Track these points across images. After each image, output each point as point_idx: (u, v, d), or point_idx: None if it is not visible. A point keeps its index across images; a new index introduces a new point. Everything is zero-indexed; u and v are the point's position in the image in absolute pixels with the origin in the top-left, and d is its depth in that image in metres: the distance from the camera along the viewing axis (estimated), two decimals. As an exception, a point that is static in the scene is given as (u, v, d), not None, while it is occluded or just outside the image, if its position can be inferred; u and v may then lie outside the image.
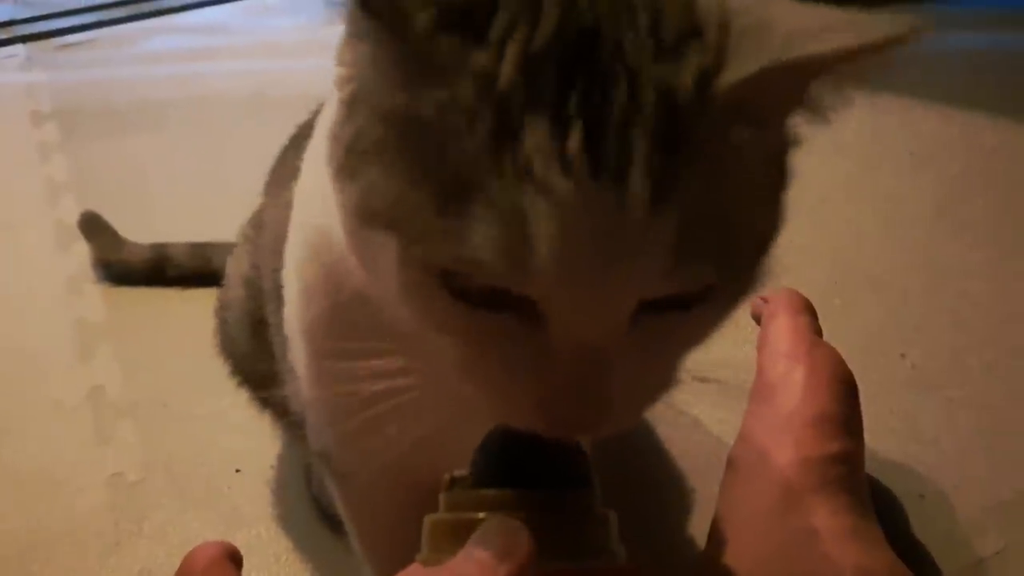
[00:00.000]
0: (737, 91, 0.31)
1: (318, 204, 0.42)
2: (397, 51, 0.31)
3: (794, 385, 0.61)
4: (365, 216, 0.34)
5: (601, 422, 0.34)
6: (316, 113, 0.55)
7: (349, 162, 0.34)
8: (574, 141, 0.29)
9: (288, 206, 0.50)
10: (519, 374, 0.34)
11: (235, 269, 0.68)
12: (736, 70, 0.31)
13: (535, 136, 0.29)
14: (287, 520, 0.70)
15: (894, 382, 0.84)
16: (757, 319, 0.70)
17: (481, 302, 0.32)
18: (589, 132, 0.29)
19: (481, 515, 0.35)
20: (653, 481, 0.75)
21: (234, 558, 0.47)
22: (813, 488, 0.55)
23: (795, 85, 0.33)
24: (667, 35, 0.31)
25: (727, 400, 0.70)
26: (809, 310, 0.68)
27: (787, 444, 0.58)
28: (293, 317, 0.49)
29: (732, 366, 0.85)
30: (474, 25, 0.30)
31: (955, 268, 1.01)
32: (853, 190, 1.21)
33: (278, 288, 0.51)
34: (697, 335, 0.38)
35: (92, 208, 1.11)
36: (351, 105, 0.35)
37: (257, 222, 0.67)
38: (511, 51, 0.30)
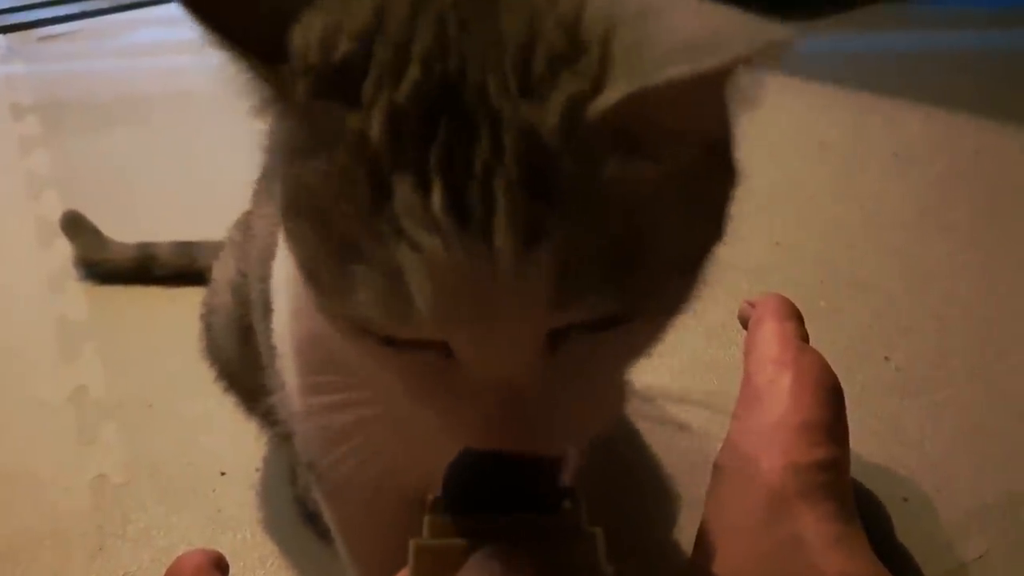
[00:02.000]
0: (606, 120, 0.29)
1: None
2: (287, 120, 0.32)
3: (780, 392, 0.61)
4: (298, 267, 0.35)
5: (534, 444, 0.35)
6: None
7: (283, 213, 0.35)
8: (436, 198, 0.29)
9: (275, 220, 0.50)
10: (453, 401, 0.35)
11: (222, 274, 0.68)
12: (604, 99, 0.29)
13: (402, 194, 0.29)
14: (272, 523, 0.70)
15: (878, 385, 0.84)
16: (744, 323, 0.71)
17: (403, 344, 0.33)
18: (453, 186, 0.29)
19: (465, 542, 0.36)
20: (639, 486, 0.75)
21: (219, 565, 0.47)
22: (799, 495, 0.55)
23: (681, 103, 0.30)
24: (538, 66, 0.30)
25: (713, 403, 0.70)
26: (796, 316, 0.68)
27: (773, 451, 0.58)
28: (285, 332, 0.49)
29: (718, 369, 0.87)
30: (348, 88, 0.30)
31: (940, 270, 1.01)
32: (838, 190, 1.21)
33: (265, 298, 0.51)
34: (629, 351, 0.38)
35: (74, 204, 1.10)
36: (269, 171, 0.36)
37: (245, 227, 0.66)
38: (377, 109, 0.30)
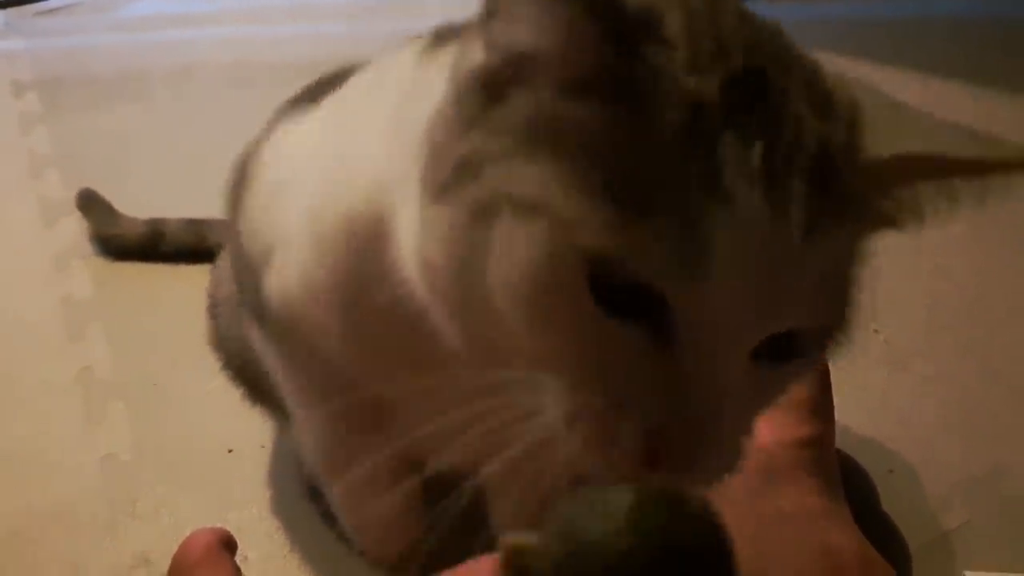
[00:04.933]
0: (877, 166, 0.34)
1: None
2: (599, 29, 0.32)
3: (768, 371, 0.63)
4: (493, 206, 0.33)
5: (713, 462, 0.34)
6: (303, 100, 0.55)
7: (484, 147, 0.34)
8: (756, 153, 0.31)
9: None
10: (634, 397, 0.33)
11: (227, 264, 0.69)
12: (877, 147, 0.35)
13: (727, 147, 0.31)
14: (279, 500, 0.72)
15: (867, 357, 0.86)
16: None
17: (614, 311, 0.33)
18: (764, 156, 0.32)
19: None
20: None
21: (228, 544, 0.48)
22: (785, 470, 0.58)
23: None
24: (815, 96, 0.34)
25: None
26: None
27: (763, 427, 0.60)
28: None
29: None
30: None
31: (931, 243, 1.02)
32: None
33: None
34: (779, 392, 0.38)
35: (77, 183, 1.11)
36: (503, 86, 0.35)
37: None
38: (715, 75, 0.32)
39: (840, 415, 0.64)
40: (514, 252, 0.33)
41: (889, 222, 0.38)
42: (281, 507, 0.71)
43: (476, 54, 0.36)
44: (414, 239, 0.38)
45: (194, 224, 1.03)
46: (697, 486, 0.34)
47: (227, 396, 0.72)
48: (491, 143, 0.34)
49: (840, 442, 0.64)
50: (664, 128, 0.31)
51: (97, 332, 0.94)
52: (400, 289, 0.40)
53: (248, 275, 0.54)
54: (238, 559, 0.48)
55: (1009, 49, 1.52)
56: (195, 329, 0.73)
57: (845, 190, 0.33)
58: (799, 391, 0.61)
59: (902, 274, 0.98)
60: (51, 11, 1.99)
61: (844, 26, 1.60)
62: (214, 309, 0.70)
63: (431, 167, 0.36)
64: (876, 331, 0.89)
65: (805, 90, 0.34)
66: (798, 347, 0.35)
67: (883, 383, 0.83)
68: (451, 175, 0.35)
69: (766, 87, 0.33)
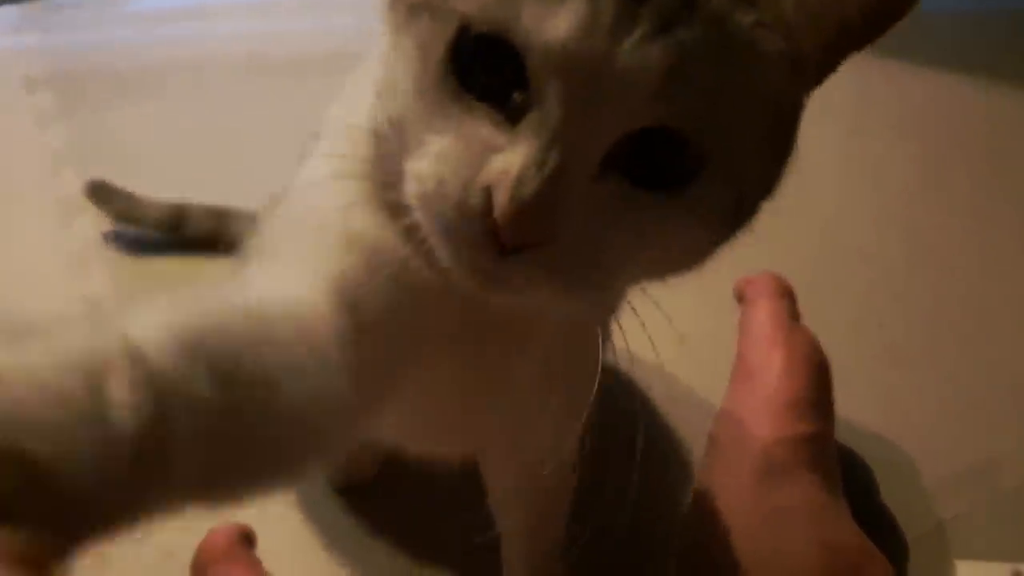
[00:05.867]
0: None
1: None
2: None
3: (771, 369, 0.64)
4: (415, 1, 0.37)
5: (544, 226, 0.35)
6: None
7: None
8: None
9: None
10: (486, 159, 0.35)
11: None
12: None
13: None
14: (301, 495, 0.73)
15: (872, 351, 0.88)
16: (739, 299, 0.74)
17: (479, 92, 0.36)
18: None
19: None
20: (651, 452, 0.78)
21: (248, 538, 0.50)
22: (785, 467, 0.59)
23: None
24: None
25: (716, 368, 0.73)
26: (788, 294, 0.71)
27: (763, 425, 0.62)
28: None
29: (720, 337, 0.90)
30: None
31: (938, 241, 1.04)
32: (840, 156, 1.23)
33: None
34: (660, 237, 0.38)
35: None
36: None
37: None
38: None
39: (842, 408, 0.66)
40: (412, 41, 0.37)
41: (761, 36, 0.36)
42: (305, 500, 0.73)
43: None
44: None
45: (217, 212, 1.04)
46: (532, 282, 0.36)
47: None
48: None
49: (842, 434, 0.66)
50: None
51: (116, 330, 0.95)
52: None
53: None
54: (261, 553, 0.50)
55: (1016, 43, 1.51)
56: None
57: (704, 6, 0.34)
58: (799, 389, 0.63)
59: (909, 271, 0.99)
60: (64, 6, 2.01)
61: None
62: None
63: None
64: (881, 325, 0.91)
65: None
66: (675, 177, 0.36)
67: (885, 376, 0.85)
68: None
69: None
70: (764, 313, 0.69)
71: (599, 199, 0.36)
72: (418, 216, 0.38)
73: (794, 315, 0.70)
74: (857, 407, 0.77)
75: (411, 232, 0.39)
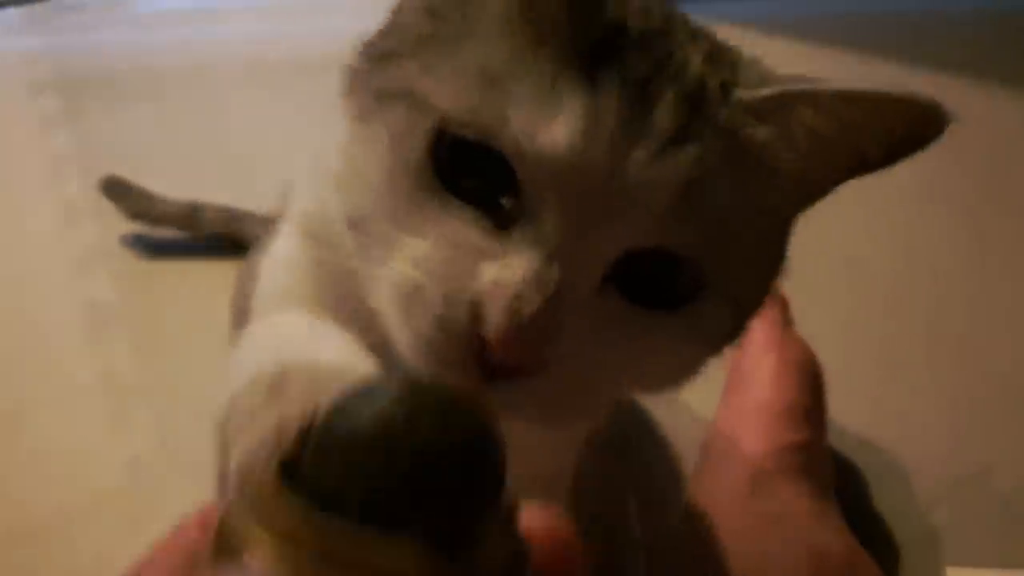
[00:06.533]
0: (756, 103, 0.34)
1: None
2: None
3: (764, 377, 0.66)
4: (386, 88, 0.35)
5: (540, 351, 0.32)
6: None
7: (383, 57, 0.36)
8: (634, 69, 0.32)
9: None
10: (473, 269, 0.32)
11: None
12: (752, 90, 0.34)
13: (612, 66, 0.32)
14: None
15: (864, 358, 0.88)
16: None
17: (461, 193, 0.33)
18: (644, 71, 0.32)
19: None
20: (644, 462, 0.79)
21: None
22: (777, 474, 0.60)
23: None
24: (710, 53, 0.35)
25: (709, 377, 0.74)
26: (780, 302, 0.72)
27: (756, 433, 0.63)
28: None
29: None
30: None
31: (931, 246, 1.04)
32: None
33: None
34: (654, 355, 0.36)
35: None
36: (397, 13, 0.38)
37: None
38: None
39: (836, 413, 0.67)
40: (384, 131, 0.34)
41: (772, 155, 0.35)
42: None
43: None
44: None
45: (231, 213, 1.04)
46: (516, 410, 0.32)
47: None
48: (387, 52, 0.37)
49: (835, 440, 0.67)
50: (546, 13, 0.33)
51: (120, 335, 0.96)
52: None
53: None
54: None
55: (1016, 43, 1.51)
56: (220, 329, 0.74)
57: (714, 118, 0.33)
58: (791, 396, 0.64)
59: (902, 276, 1.00)
60: (67, 8, 2.01)
61: (849, 21, 1.60)
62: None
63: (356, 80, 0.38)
64: (875, 332, 0.91)
65: (703, 47, 0.35)
66: (672, 295, 0.34)
67: (879, 382, 0.85)
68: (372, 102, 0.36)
69: (670, 33, 0.34)
70: (756, 320, 0.70)
71: (595, 319, 0.33)
72: (388, 327, 0.34)
73: (787, 322, 0.71)
74: (849, 413, 0.77)
75: (375, 343, 0.35)
